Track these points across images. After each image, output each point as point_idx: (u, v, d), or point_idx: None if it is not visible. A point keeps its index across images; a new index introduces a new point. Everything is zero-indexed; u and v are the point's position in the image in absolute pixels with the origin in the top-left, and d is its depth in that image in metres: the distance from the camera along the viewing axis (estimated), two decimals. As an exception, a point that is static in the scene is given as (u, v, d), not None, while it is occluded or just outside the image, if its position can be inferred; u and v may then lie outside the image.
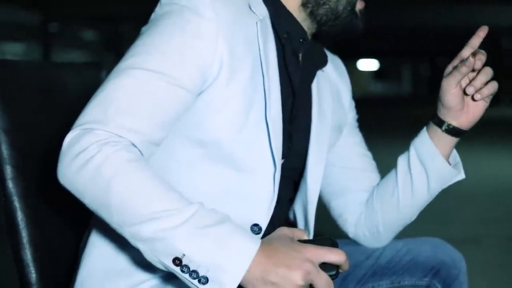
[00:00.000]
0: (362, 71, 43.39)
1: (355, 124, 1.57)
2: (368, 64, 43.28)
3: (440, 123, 1.37)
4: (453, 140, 1.38)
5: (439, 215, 4.94)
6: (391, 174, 1.47)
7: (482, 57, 1.27)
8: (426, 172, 1.40)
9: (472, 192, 6.18)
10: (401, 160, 1.44)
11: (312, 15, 1.32)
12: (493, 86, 1.30)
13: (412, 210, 1.46)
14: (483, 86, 1.30)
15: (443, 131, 1.37)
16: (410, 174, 1.42)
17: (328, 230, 1.60)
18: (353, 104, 1.57)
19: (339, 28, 1.34)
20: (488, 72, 1.29)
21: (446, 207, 5.04)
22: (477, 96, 1.30)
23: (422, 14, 17.34)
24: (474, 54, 1.28)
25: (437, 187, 1.42)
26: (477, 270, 3.29)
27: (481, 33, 1.33)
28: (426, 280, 1.46)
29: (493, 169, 7.92)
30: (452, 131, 1.37)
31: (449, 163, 1.41)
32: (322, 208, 1.57)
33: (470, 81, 1.30)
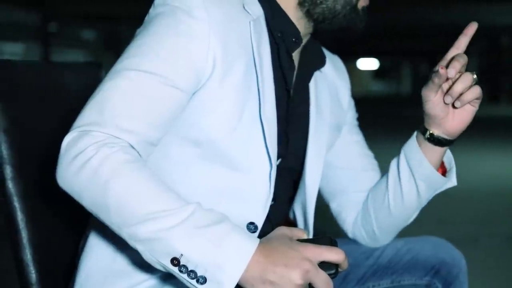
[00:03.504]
0: (362, 70, 43.45)
1: (355, 123, 1.57)
2: (368, 63, 43.31)
3: (424, 131, 1.34)
4: (439, 148, 1.34)
5: (438, 214, 4.94)
6: (383, 178, 1.47)
7: (456, 64, 1.21)
8: (414, 178, 1.38)
9: (471, 191, 6.18)
10: (392, 164, 1.43)
11: (308, 14, 1.32)
12: (474, 92, 1.23)
13: (404, 215, 1.45)
14: (465, 91, 1.23)
15: (425, 139, 1.34)
16: (400, 179, 1.41)
17: (328, 229, 1.60)
18: (352, 103, 1.57)
19: (337, 26, 1.33)
20: (467, 78, 1.22)
21: (444, 206, 5.04)
22: (457, 104, 1.25)
23: (421, 13, 17.34)
24: (454, 58, 1.22)
25: (427, 194, 1.40)
26: (476, 270, 3.29)
27: (470, 31, 1.27)
28: (427, 279, 1.46)
29: (492, 168, 7.92)
30: (435, 140, 1.33)
31: (445, 168, 1.40)
32: (323, 207, 1.57)
33: (448, 89, 1.24)
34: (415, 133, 1.37)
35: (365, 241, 1.52)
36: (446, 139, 1.33)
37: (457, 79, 1.23)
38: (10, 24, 16.59)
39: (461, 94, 1.23)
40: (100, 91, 1.14)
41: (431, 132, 1.33)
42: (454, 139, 1.34)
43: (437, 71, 1.22)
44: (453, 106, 1.28)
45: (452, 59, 1.23)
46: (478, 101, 1.27)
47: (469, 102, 1.26)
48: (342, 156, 1.52)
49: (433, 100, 1.28)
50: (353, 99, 1.58)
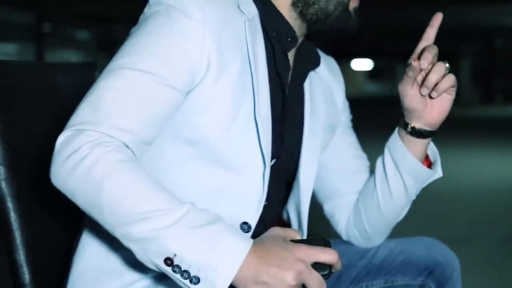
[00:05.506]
0: (356, 70, 43.48)
1: (349, 124, 1.57)
2: (362, 64, 43.36)
3: (405, 125, 1.36)
4: (422, 141, 1.36)
5: (431, 214, 4.95)
6: (371, 177, 1.48)
7: (428, 55, 1.23)
8: (400, 173, 1.39)
9: (465, 191, 6.20)
10: (378, 162, 1.44)
11: (302, 14, 1.32)
12: (449, 80, 1.25)
13: (394, 211, 1.45)
14: (440, 81, 1.25)
15: (407, 133, 1.35)
16: (386, 175, 1.42)
17: (322, 230, 1.60)
18: (347, 104, 1.57)
19: (330, 27, 1.33)
20: (440, 68, 1.23)
21: (438, 207, 5.06)
22: (433, 94, 1.27)
23: (416, 14, 17.35)
24: (425, 50, 1.24)
25: (414, 188, 1.41)
26: (469, 270, 3.29)
27: (436, 22, 1.30)
28: (420, 279, 1.46)
29: (486, 168, 7.93)
30: (417, 133, 1.34)
31: (430, 160, 1.41)
32: (316, 208, 1.57)
33: (423, 81, 1.26)
34: (397, 128, 1.38)
35: (358, 241, 1.52)
36: (427, 131, 1.34)
37: (431, 70, 1.24)
38: (4, 24, 16.56)
39: (436, 84, 1.25)
40: (94, 89, 1.14)
41: (412, 125, 1.35)
42: (435, 130, 1.35)
43: (410, 64, 1.24)
44: (430, 97, 1.29)
45: (423, 51, 1.25)
46: (454, 89, 1.29)
47: (445, 91, 1.27)
48: (335, 157, 1.52)
49: (410, 93, 1.29)
50: (347, 100, 1.58)
